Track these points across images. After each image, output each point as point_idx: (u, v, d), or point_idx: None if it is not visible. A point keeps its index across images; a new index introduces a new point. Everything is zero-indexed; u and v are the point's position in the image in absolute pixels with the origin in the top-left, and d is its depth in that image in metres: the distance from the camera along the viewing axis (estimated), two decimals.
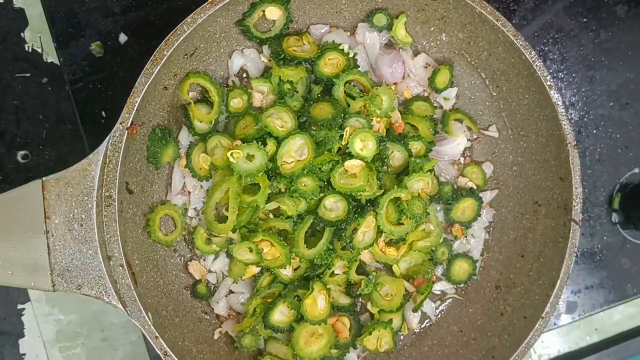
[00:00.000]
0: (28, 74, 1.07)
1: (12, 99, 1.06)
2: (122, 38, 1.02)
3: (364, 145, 0.88)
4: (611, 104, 1.13)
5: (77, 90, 1.01)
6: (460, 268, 0.98)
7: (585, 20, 1.13)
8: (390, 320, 0.94)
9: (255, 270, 0.93)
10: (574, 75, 1.12)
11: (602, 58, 1.13)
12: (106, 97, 1.01)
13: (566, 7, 1.12)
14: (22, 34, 1.07)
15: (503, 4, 1.11)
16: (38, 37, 1.07)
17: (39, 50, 1.07)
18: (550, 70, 1.11)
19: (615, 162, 1.13)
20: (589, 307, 1.11)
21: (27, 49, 1.07)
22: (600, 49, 1.13)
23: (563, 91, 1.12)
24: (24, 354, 1.05)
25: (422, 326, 0.99)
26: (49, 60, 1.07)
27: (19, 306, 1.05)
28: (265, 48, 0.95)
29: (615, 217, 1.13)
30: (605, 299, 1.12)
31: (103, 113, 1.01)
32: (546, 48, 1.12)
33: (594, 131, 1.13)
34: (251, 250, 0.89)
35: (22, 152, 1.06)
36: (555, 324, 1.10)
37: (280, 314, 0.90)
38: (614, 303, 1.12)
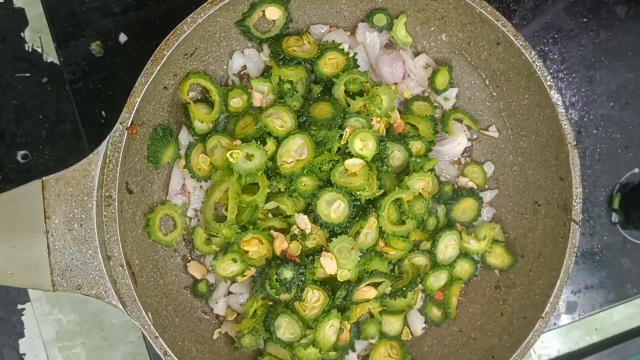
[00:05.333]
0: (28, 74, 1.06)
1: (12, 99, 1.06)
2: (122, 38, 1.02)
3: (363, 145, 0.88)
4: (611, 104, 1.13)
5: (77, 90, 1.01)
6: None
7: (585, 20, 1.13)
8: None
9: (252, 271, 0.93)
10: (574, 75, 1.12)
11: (602, 58, 1.13)
12: (106, 97, 1.01)
13: (566, 7, 1.12)
14: (22, 34, 1.07)
15: (503, 4, 1.11)
16: (38, 37, 1.07)
17: (39, 50, 1.07)
18: (550, 70, 1.11)
19: (615, 162, 1.13)
20: (588, 307, 1.11)
21: (27, 48, 1.07)
22: (600, 49, 1.13)
23: (563, 91, 1.12)
24: (24, 354, 1.05)
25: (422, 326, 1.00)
26: (49, 60, 1.07)
27: (19, 306, 1.05)
28: (265, 48, 0.95)
29: (615, 217, 1.13)
30: (605, 299, 1.12)
31: (103, 113, 1.01)
32: (546, 48, 1.12)
33: (594, 131, 1.13)
34: (235, 261, 0.88)
35: (22, 152, 1.06)
36: (555, 324, 1.10)
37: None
38: (614, 303, 1.12)
